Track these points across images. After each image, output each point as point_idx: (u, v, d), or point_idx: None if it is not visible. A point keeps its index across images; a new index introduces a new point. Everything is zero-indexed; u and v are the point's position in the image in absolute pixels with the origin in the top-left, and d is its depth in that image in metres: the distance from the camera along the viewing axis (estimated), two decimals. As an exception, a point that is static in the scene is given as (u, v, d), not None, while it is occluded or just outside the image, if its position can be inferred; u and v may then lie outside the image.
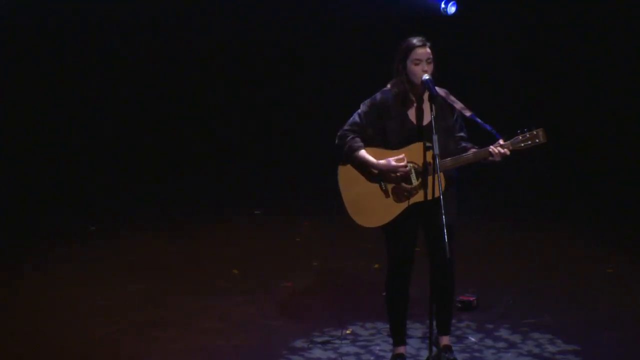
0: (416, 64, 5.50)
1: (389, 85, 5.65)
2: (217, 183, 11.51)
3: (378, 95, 5.64)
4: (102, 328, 6.52)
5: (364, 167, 5.58)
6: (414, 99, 5.60)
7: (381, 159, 5.52)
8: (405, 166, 5.49)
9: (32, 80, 11.56)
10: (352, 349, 6.11)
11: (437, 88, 5.50)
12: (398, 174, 5.51)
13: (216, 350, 6.17)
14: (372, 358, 5.99)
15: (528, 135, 5.44)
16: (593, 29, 11.20)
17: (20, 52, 11.43)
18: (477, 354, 6.04)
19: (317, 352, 6.07)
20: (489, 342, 6.25)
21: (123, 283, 7.57)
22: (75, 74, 11.84)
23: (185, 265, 8.11)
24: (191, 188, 11.31)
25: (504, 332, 6.41)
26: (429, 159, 5.38)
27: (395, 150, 5.54)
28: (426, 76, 5.45)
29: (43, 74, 11.62)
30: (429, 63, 5.50)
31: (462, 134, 5.64)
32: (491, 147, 5.46)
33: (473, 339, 6.29)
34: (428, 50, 5.51)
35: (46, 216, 9.89)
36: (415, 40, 5.52)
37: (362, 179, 5.60)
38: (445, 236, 5.15)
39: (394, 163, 5.49)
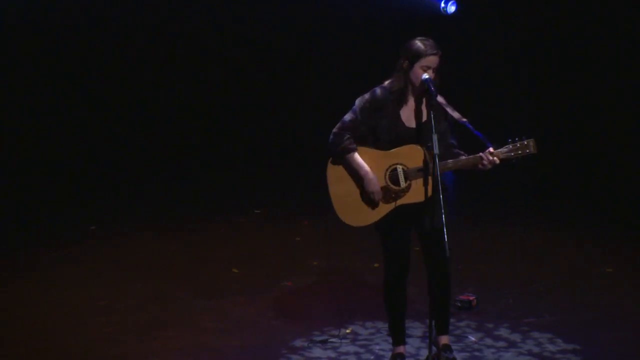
0: (424, 70, 5.47)
1: (386, 82, 5.63)
2: (217, 183, 11.51)
3: (377, 91, 5.60)
4: (102, 328, 6.52)
5: (354, 171, 5.58)
6: (410, 98, 5.59)
7: (372, 163, 5.52)
8: (378, 197, 5.50)
9: (31, 80, 11.56)
10: (352, 349, 6.11)
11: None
12: (370, 196, 5.51)
13: (216, 349, 6.17)
14: (372, 357, 5.99)
15: (518, 145, 5.42)
16: (594, 27, 11.20)
17: (19, 52, 11.43)
18: (477, 353, 6.04)
19: (317, 352, 6.07)
20: (488, 341, 6.25)
21: (123, 283, 7.56)
22: (75, 74, 11.84)
23: (185, 265, 8.11)
24: (191, 188, 11.31)
25: (503, 332, 6.40)
26: (429, 158, 5.39)
27: (387, 152, 5.53)
28: (425, 75, 5.44)
29: (43, 74, 11.62)
30: (434, 71, 5.49)
31: (452, 141, 5.63)
32: (482, 154, 5.46)
33: (473, 339, 6.28)
34: (438, 59, 5.49)
35: (46, 216, 9.89)
36: (429, 47, 5.46)
37: (350, 177, 5.61)
38: (445, 235, 5.15)
39: (376, 188, 5.50)
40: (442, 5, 11.18)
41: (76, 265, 8.09)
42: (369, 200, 5.55)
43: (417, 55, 5.46)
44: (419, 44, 5.48)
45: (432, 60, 5.46)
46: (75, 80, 11.84)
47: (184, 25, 12.04)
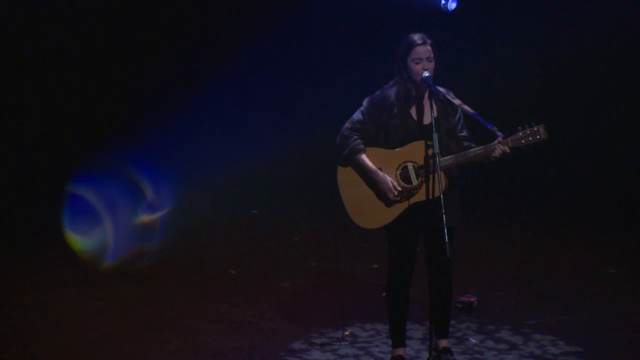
0: (416, 63, 5.43)
1: (391, 83, 5.59)
2: (217, 183, 11.46)
3: (380, 93, 5.57)
4: (99, 328, 6.48)
5: (363, 172, 5.52)
6: (415, 96, 5.53)
7: (381, 162, 5.46)
8: (397, 196, 5.43)
9: (31, 79, 11.53)
10: (351, 351, 6.06)
11: (438, 87, 5.44)
12: (388, 195, 5.45)
13: (214, 351, 6.12)
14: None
15: (528, 132, 5.38)
16: (595, 24, 11.16)
17: (18, 52, 11.40)
18: (478, 356, 5.99)
19: (316, 354, 6.01)
20: (490, 343, 6.20)
21: (121, 283, 7.53)
22: (74, 74, 11.81)
23: (183, 266, 8.07)
24: (191, 188, 11.26)
25: (505, 334, 6.35)
26: (430, 157, 5.33)
27: (395, 150, 5.48)
28: (426, 73, 5.38)
29: (42, 74, 11.59)
30: (429, 61, 5.43)
31: (464, 133, 5.58)
32: (492, 144, 5.40)
33: (474, 341, 6.23)
34: (429, 48, 5.43)
35: (46, 216, 9.84)
36: (415, 38, 5.44)
37: (361, 180, 5.54)
38: (446, 236, 5.08)
39: (390, 185, 5.44)
40: (443, 1, 11.11)
41: (75, 265, 8.05)
42: (385, 199, 5.47)
43: (407, 50, 5.44)
44: (406, 38, 5.45)
45: (421, 51, 5.41)
46: (74, 80, 11.80)
47: (182, 24, 12.00)
